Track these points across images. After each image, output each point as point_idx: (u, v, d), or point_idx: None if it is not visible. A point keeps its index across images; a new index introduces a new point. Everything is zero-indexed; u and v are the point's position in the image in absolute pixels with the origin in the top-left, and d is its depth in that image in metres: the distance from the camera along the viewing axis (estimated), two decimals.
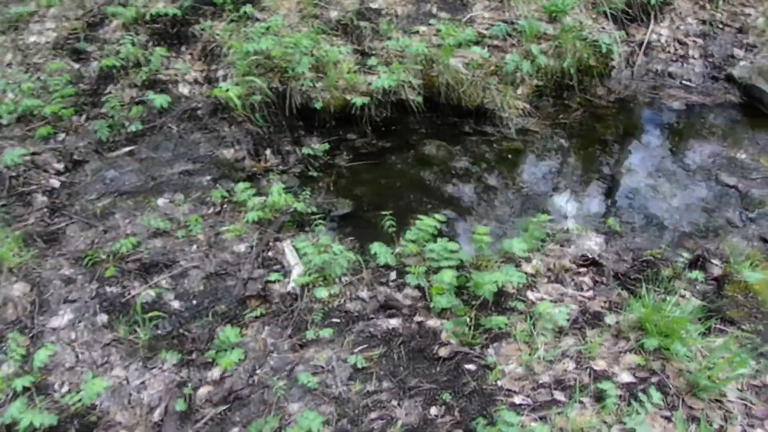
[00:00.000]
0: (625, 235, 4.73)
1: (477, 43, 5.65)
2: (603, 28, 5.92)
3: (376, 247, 4.20)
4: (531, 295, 4.05)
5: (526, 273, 4.17)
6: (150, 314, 3.84)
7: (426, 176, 5.30)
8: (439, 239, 4.19)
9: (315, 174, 5.31)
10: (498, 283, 3.79)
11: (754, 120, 5.65)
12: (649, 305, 3.58)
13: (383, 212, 4.63)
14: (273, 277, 4.04)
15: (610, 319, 3.77)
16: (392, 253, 4.22)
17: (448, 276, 3.81)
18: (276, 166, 5.32)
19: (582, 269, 4.42)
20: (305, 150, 5.34)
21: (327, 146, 5.39)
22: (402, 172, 5.36)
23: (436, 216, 4.28)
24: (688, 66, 6.04)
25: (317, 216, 4.75)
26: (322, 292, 3.91)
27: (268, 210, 4.52)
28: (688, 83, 5.98)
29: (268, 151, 5.33)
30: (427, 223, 4.17)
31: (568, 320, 3.71)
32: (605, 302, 4.11)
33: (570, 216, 4.89)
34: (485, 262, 4.12)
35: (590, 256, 4.49)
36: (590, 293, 4.23)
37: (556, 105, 5.87)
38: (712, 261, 4.43)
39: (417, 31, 5.71)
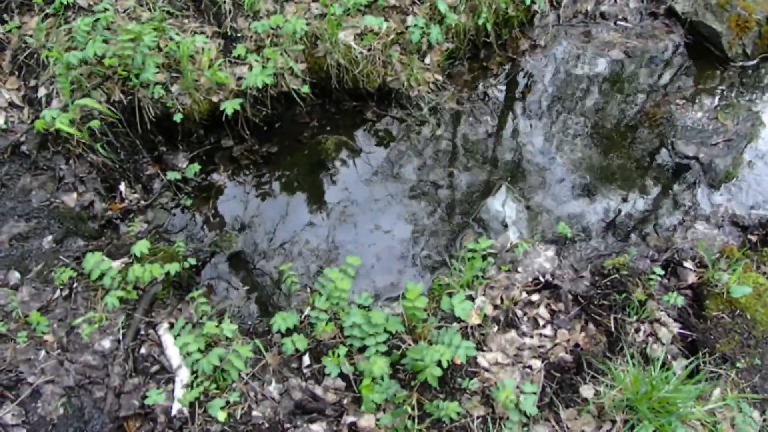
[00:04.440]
0: (579, 240, 4.14)
1: (369, 6, 4.75)
2: None
3: (279, 322, 3.47)
4: (482, 359, 3.44)
5: (471, 328, 3.55)
6: None
7: (326, 184, 4.52)
8: (357, 297, 3.52)
9: (188, 202, 4.45)
10: (442, 361, 3.13)
11: (705, 65, 5.01)
12: (638, 380, 2.99)
13: (283, 260, 3.93)
14: (152, 396, 3.24)
15: (586, 390, 3.20)
16: (298, 329, 3.51)
17: (380, 366, 3.13)
18: (137, 202, 4.42)
19: (534, 296, 3.85)
20: (171, 175, 4.44)
21: (197, 167, 4.50)
22: (295, 183, 4.55)
23: (349, 261, 3.55)
24: (621, 2, 5.30)
25: (199, 264, 4.00)
26: (218, 411, 3.17)
27: (131, 287, 3.67)
28: (623, 23, 5.27)
29: (122, 186, 4.40)
30: (340, 285, 3.43)
31: (534, 403, 3.12)
32: (568, 343, 3.58)
33: (510, 222, 4.24)
34: (421, 326, 3.45)
35: (542, 279, 3.92)
36: (549, 330, 3.67)
37: (473, 70, 5.08)
38: (685, 265, 3.92)
39: None
